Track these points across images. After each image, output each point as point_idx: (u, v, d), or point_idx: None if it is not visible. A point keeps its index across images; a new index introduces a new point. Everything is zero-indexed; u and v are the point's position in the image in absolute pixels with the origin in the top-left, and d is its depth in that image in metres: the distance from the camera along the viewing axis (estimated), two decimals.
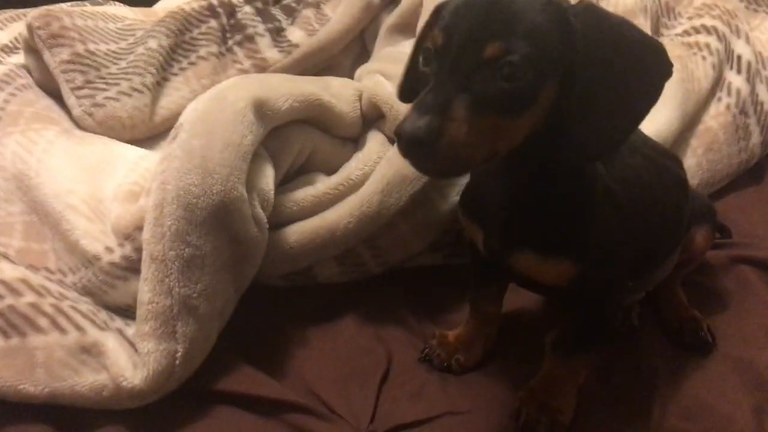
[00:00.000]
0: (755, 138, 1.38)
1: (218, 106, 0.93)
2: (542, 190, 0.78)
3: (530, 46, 0.64)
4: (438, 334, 1.01)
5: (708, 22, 1.46)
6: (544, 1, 0.66)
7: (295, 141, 1.04)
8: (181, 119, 0.93)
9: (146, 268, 0.85)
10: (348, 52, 1.42)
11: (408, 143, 0.62)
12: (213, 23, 1.30)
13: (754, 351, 1.01)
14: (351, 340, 1.00)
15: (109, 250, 0.93)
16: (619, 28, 0.69)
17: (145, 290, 0.84)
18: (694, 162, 1.31)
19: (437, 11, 0.71)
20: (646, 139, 1.03)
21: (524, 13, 0.65)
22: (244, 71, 1.28)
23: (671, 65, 0.70)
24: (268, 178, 0.97)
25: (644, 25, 1.42)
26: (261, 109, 0.96)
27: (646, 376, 0.97)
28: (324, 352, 0.98)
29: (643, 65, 0.70)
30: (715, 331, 1.04)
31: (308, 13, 1.37)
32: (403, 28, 1.37)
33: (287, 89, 1.01)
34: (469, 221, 0.89)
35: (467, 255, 1.01)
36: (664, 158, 1.00)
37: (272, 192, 0.97)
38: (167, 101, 1.21)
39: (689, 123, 1.32)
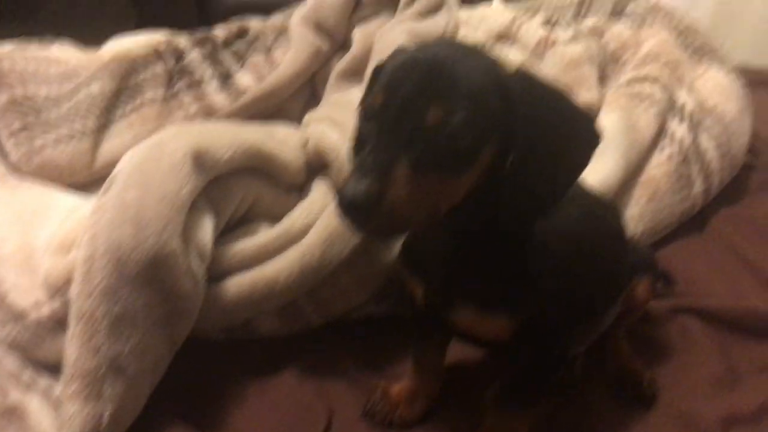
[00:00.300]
0: (698, 187, 1.40)
1: (156, 156, 0.91)
2: (481, 246, 0.78)
3: (471, 108, 0.64)
4: (381, 387, 1.00)
5: (652, 71, 1.49)
6: (485, 66, 0.68)
7: (237, 190, 1.02)
8: (116, 169, 0.91)
9: (73, 326, 0.82)
10: (298, 97, 1.42)
11: (347, 207, 0.61)
12: (159, 68, 1.29)
13: (696, 403, 1.02)
14: (290, 395, 0.97)
15: (37, 304, 0.90)
16: (554, 96, 0.71)
17: (71, 349, 0.81)
18: (636, 211, 1.32)
19: (376, 71, 0.72)
20: (583, 189, 1.04)
21: (466, 76, 0.66)
22: (190, 116, 1.26)
23: (599, 136, 0.72)
24: (206, 230, 0.94)
25: (590, 74, 1.45)
26: (201, 159, 0.94)
27: (587, 429, 0.97)
28: (262, 408, 0.95)
29: (575, 134, 0.72)
30: (658, 383, 1.04)
31: (257, 58, 1.37)
32: (353, 75, 1.37)
33: (229, 138, 0.99)
34: (409, 274, 0.88)
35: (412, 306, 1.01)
36: (601, 209, 1.01)
37: (210, 245, 0.94)
38: (110, 146, 1.19)
39: (633, 172, 1.34)
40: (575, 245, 0.88)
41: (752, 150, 1.69)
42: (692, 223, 1.42)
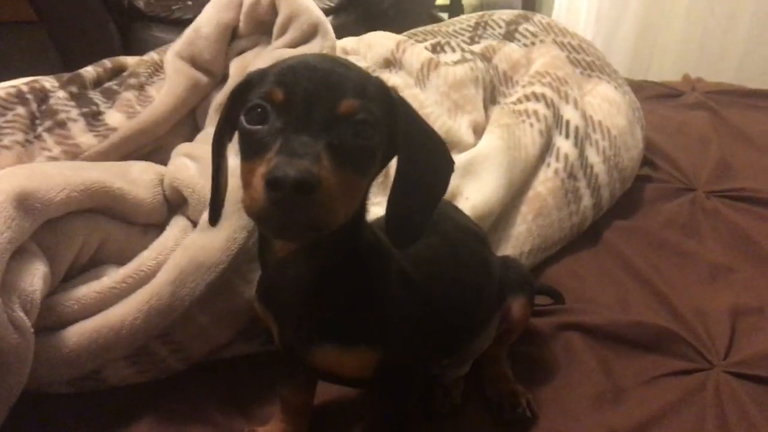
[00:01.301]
0: (586, 201, 1.39)
1: None
2: (339, 279, 0.75)
3: (374, 108, 0.65)
4: (247, 431, 0.94)
5: (538, 89, 1.49)
6: (371, 75, 0.71)
7: (78, 233, 0.96)
8: None
9: None
10: (177, 133, 1.36)
11: (292, 187, 0.56)
12: (20, 110, 1.22)
13: (576, 423, 0.99)
14: None
15: None
16: (420, 118, 0.74)
17: None
18: (524, 228, 1.30)
19: (248, 80, 0.70)
20: (447, 213, 1.02)
21: (361, 80, 0.67)
22: (53, 158, 1.19)
23: (453, 162, 0.76)
24: (33, 276, 0.88)
25: (476, 95, 1.44)
26: (26, 202, 0.88)
27: None
28: None
29: (439, 157, 0.74)
30: (537, 404, 1.01)
31: (129, 95, 1.32)
32: None
33: (64, 178, 0.94)
34: (265, 312, 0.84)
35: None
36: (463, 234, 0.99)
37: (38, 292, 0.87)
38: None
39: (518, 190, 1.32)
40: (435, 271, 0.87)
41: (651, 162, 1.70)
42: (585, 237, 1.41)
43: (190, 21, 3.48)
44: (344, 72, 0.67)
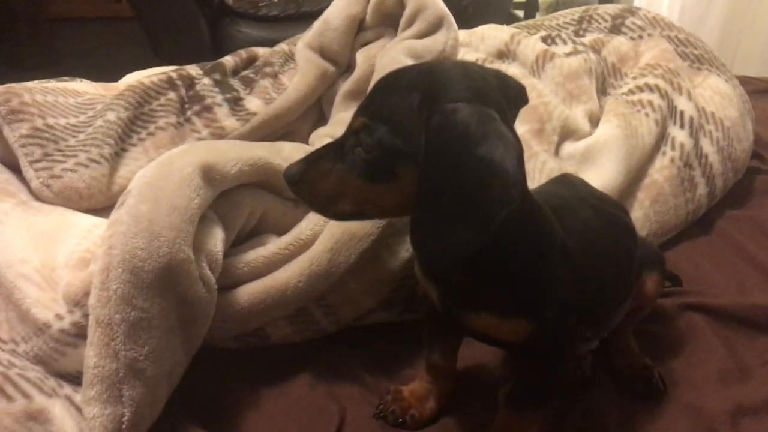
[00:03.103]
0: (701, 189, 1.42)
1: (166, 171, 0.96)
2: (497, 253, 0.79)
3: (385, 126, 0.74)
4: (393, 389, 1.01)
5: (651, 80, 1.52)
6: (420, 92, 0.73)
7: (246, 204, 1.06)
8: (130, 186, 0.95)
9: (92, 333, 0.85)
10: (305, 119, 1.47)
11: (284, 176, 0.81)
12: (172, 95, 1.34)
13: (705, 397, 1.03)
14: (303, 399, 1.00)
15: (59, 317, 0.94)
16: (469, 144, 0.69)
17: (90, 354, 0.85)
18: (641, 214, 1.34)
19: None
20: (591, 190, 1.07)
21: (395, 96, 0.75)
22: (202, 139, 1.31)
23: (513, 198, 0.68)
24: (216, 240, 0.98)
25: (589, 86, 1.48)
26: (209, 174, 0.98)
27: (596, 425, 0.98)
28: (276, 412, 0.98)
29: (481, 187, 0.68)
30: (667, 378, 1.05)
31: (266, 82, 1.42)
32: (357, 95, 1.41)
33: (236, 154, 1.04)
34: (425, 278, 0.91)
35: (421, 311, 1.04)
36: (611, 207, 1.03)
37: (221, 253, 0.98)
38: (126, 171, 1.23)
39: (635, 177, 1.37)
40: (593, 245, 0.90)
41: (758, 155, 1.71)
42: (698, 225, 1.44)
43: (275, 18, 3.63)
44: (387, 87, 0.78)
